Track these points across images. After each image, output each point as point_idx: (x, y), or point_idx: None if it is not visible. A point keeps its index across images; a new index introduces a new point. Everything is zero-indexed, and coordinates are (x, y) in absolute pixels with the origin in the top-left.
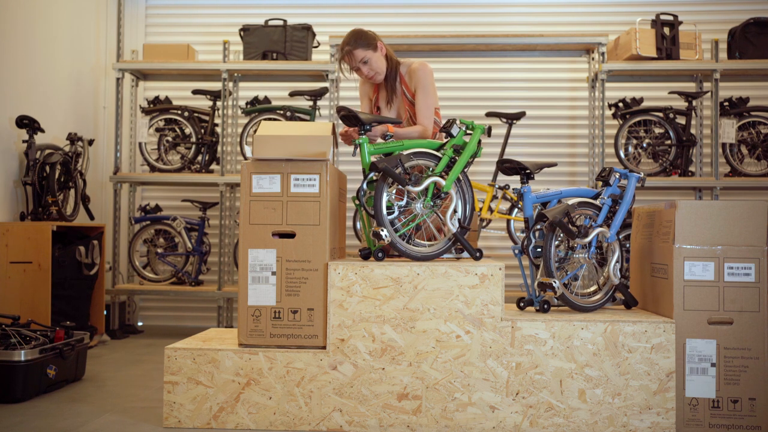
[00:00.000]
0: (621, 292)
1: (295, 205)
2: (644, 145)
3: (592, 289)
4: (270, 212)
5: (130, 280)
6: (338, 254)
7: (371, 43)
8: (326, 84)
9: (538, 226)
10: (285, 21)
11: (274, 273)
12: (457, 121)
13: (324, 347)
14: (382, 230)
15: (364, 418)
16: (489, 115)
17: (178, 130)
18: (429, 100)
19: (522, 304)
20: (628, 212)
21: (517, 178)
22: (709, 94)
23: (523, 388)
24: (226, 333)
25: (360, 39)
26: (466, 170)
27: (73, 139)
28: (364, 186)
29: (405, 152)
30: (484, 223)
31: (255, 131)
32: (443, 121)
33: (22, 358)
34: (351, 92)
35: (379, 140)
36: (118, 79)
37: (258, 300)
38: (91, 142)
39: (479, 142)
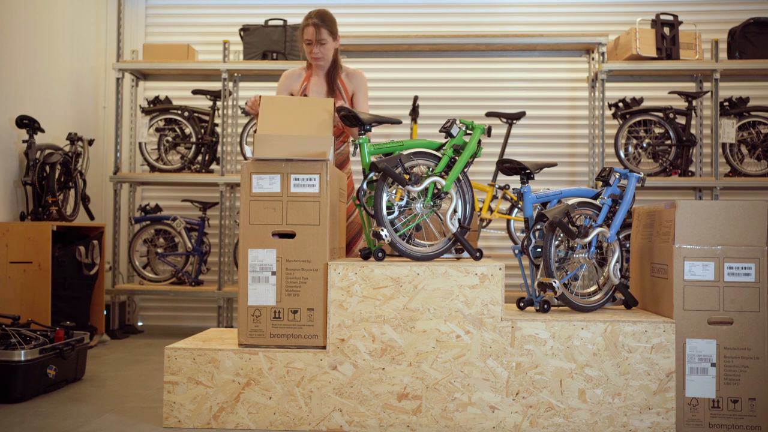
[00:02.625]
0: (621, 292)
1: (295, 205)
2: (644, 145)
3: (592, 289)
4: (270, 212)
5: (130, 280)
6: (338, 254)
7: (335, 32)
8: None
9: (538, 226)
10: (285, 21)
11: (274, 273)
12: (457, 121)
13: (324, 347)
14: (382, 230)
15: (364, 418)
16: (489, 115)
17: (178, 130)
18: (367, 103)
19: (522, 304)
20: (628, 212)
21: (517, 178)
22: (709, 94)
23: (523, 388)
24: (226, 333)
25: (329, 21)
26: (466, 170)
27: (73, 139)
28: (364, 186)
29: (405, 152)
30: (484, 223)
31: (255, 131)
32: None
33: (22, 358)
34: None
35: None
36: (118, 79)
37: (258, 300)
38: (91, 142)
39: (479, 142)
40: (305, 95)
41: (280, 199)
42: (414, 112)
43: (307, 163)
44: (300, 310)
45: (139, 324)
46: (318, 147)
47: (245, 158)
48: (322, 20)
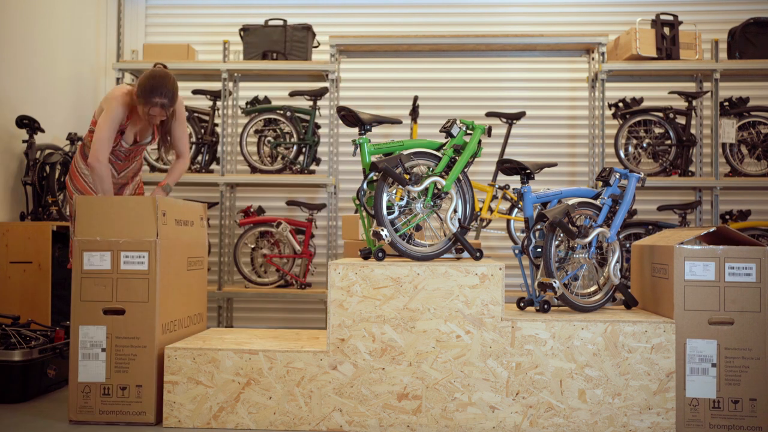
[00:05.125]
0: (621, 292)
1: (125, 282)
2: (644, 145)
3: (592, 289)
4: (101, 289)
5: None
6: (191, 322)
7: (177, 98)
8: (326, 84)
9: (538, 226)
10: (285, 21)
11: (104, 350)
12: (457, 121)
13: (154, 423)
14: (382, 230)
15: (364, 418)
16: (489, 115)
17: None
18: (185, 128)
19: (522, 304)
20: (628, 212)
21: (517, 178)
22: (709, 94)
23: (523, 388)
24: (226, 333)
25: (174, 95)
26: (466, 170)
27: (73, 139)
28: (364, 186)
29: (405, 152)
30: (484, 223)
31: (255, 131)
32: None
33: (22, 358)
34: (351, 92)
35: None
36: (118, 79)
37: (88, 376)
38: None
39: (479, 142)
40: (123, 132)
41: (110, 276)
42: (414, 112)
43: (138, 240)
44: (129, 386)
45: None
46: (145, 225)
47: (245, 159)
48: (171, 100)
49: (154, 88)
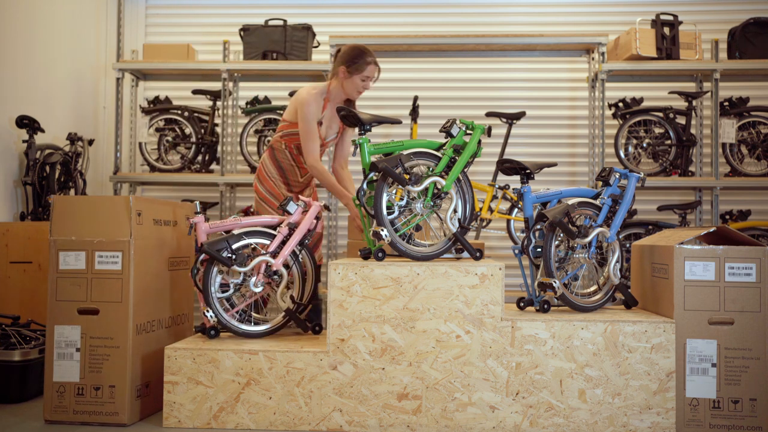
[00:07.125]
0: (621, 292)
1: (99, 282)
2: (644, 145)
3: (592, 289)
4: (76, 289)
5: None
6: (173, 322)
7: None
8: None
9: (538, 226)
10: (285, 21)
11: (78, 349)
12: (457, 121)
13: (125, 424)
14: (382, 230)
15: (364, 418)
16: (489, 115)
17: (178, 130)
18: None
19: (522, 304)
20: (627, 212)
21: (517, 178)
22: (709, 94)
23: (523, 388)
24: (225, 333)
25: None
26: (466, 170)
27: (73, 139)
28: (364, 186)
29: (405, 152)
30: (484, 223)
31: (255, 131)
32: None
33: (22, 358)
34: None
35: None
36: (118, 79)
37: (62, 376)
38: (91, 142)
39: (479, 142)
40: (320, 123)
41: (85, 275)
42: (414, 112)
43: (111, 240)
44: (102, 386)
45: None
46: (119, 225)
47: (245, 158)
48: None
49: (363, 50)
